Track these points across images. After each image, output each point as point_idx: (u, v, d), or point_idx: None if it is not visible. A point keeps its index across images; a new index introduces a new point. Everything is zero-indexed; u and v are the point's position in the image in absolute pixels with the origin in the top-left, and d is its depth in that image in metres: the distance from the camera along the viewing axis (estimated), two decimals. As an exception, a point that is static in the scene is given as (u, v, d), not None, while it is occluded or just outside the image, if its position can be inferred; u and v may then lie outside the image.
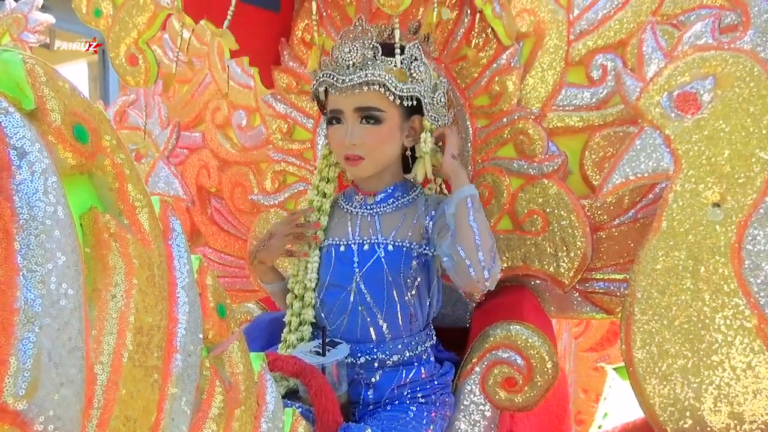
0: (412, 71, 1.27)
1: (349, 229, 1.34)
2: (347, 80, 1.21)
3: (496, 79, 1.53)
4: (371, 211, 1.34)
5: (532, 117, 1.51)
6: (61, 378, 0.55)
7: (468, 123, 1.57)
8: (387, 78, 1.22)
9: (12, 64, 0.57)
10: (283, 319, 1.41)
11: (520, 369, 1.32)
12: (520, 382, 1.32)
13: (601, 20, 1.49)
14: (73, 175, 0.65)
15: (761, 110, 1.05)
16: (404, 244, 1.29)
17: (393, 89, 1.23)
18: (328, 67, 1.26)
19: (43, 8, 2.45)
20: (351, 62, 1.22)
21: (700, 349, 1.07)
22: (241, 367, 0.84)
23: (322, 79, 1.26)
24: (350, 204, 1.37)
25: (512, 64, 1.53)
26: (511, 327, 1.34)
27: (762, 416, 1.03)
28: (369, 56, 1.22)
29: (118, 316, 0.64)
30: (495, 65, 1.53)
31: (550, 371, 1.31)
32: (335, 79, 1.23)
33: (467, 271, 1.13)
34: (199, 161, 2.08)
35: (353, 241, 1.32)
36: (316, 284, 1.34)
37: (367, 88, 1.22)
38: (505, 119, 1.53)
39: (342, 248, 1.33)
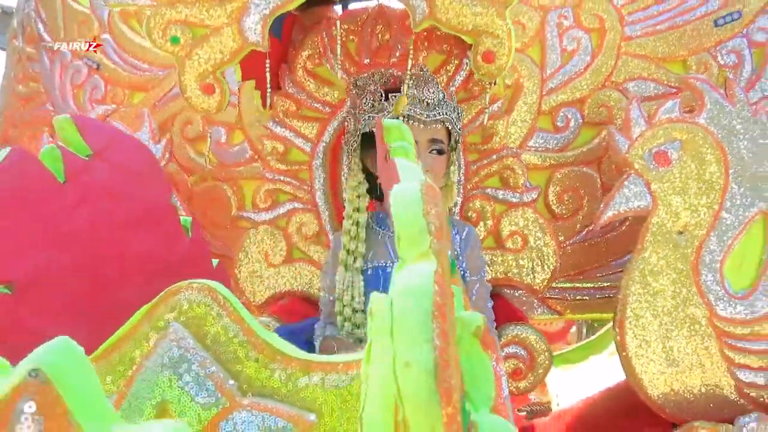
0: (459, 116, 1.55)
1: (391, 251, 1.54)
2: (431, 115, 1.43)
3: (490, 122, 1.84)
4: None
5: (515, 155, 1.86)
6: None
7: (461, 157, 1.86)
8: (452, 118, 1.48)
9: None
10: (318, 335, 1.54)
11: (525, 360, 1.65)
12: (524, 371, 1.65)
13: (566, 81, 1.88)
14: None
15: (710, 165, 1.51)
16: None
17: (454, 128, 1.49)
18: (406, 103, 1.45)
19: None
20: (431, 100, 1.44)
21: (673, 336, 1.50)
22: None
23: (402, 113, 1.44)
24: (386, 228, 1.57)
25: (500, 111, 1.85)
26: (517, 327, 1.66)
27: (708, 380, 1.49)
28: (440, 97, 1.46)
29: None
30: (489, 110, 1.84)
31: (546, 359, 1.66)
32: (419, 113, 1.43)
33: None
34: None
35: None
36: (364, 306, 1.51)
37: (441, 125, 1.45)
38: (494, 156, 1.85)
39: (389, 269, 1.52)
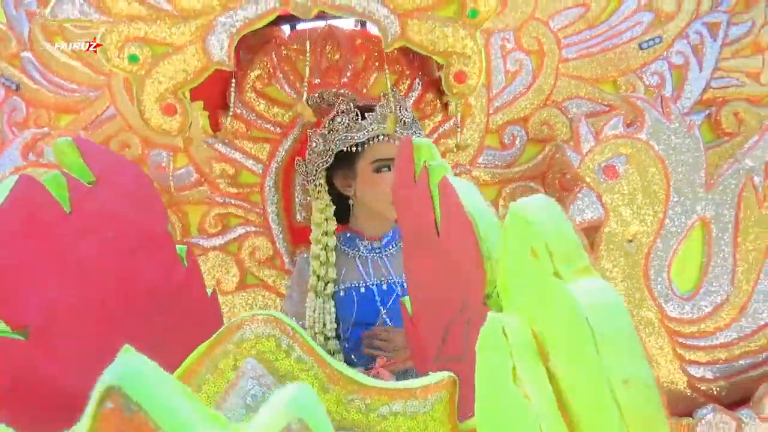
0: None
1: (362, 271, 1.52)
2: (409, 134, 1.43)
3: (442, 141, 1.87)
4: (380, 254, 1.55)
5: (467, 172, 1.90)
6: None
7: (416, 175, 1.88)
8: (423, 136, 1.49)
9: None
10: None
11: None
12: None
13: (511, 100, 1.96)
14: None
15: (653, 177, 1.62)
16: None
17: None
18: (383, 122, 1.44)
19: None
20: (407, 119, 1.44)
21: (631, 339, 1.58)
22: None
23: (382, 132, 1.43)
24: (356, 249, 1.55)
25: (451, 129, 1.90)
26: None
27: (663, 378, 1.59)
28: (413, 117, 1.47)
29: None
30: (441, 129, 1.88)
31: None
32: (399, 132, 1.43)
33: None
34: (101, 201, 1.92)
35: (371, 282, 1.50)
36: (336, 332, 1.48)
37: None
38: (448, 173, 1.89)
39: (362, 290, 1.50)
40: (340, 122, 1.49)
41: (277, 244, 1.87)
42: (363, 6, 1.25)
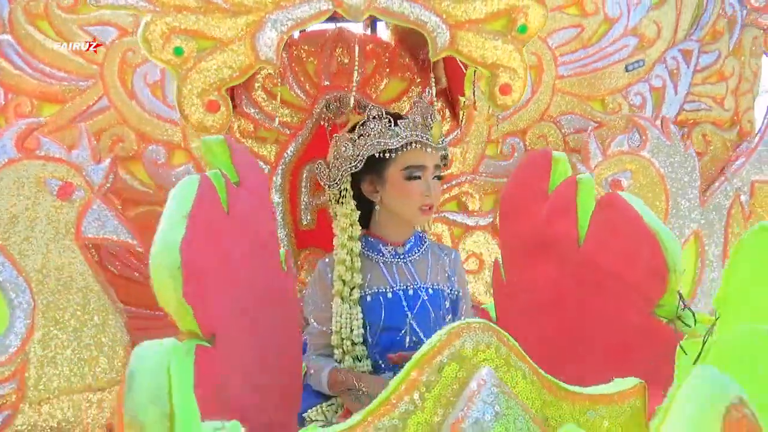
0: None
1: (388, 276, 1.51)
2: (438, 141, 1.44)
3: (450, 149, 1.90)
4: (404, 260, 1.54)
5: (471, 180, 1.95)
6: None
7: (423, 181, 1.90)
8: (445, 144, 1.51)
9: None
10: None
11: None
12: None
13: (511, 112, 2.02)
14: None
15: (655, 191, 1.73)
16: (439, 286, 1.54)
17: (447, 152, 1.53)
18: (416, 129, 1.43)
19: None
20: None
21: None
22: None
23: (415, 139, 1.42)
24: (379, 254, 1.54)
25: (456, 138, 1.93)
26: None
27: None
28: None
29: None
30: (449, 138, 1.91)
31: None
32: (430, 140, 1.43)
33: None
34: (88, 198, 1.80)
35: (397, 287, 1.50)
36: (363, 337, 1.46)
37: (443, 151, 1.48)
38: (454, 181, 1.92)
39: (389, 295, 1.49)
40: (372, 128, 1.47)
41: (281, 245, 1.83)
42: (415, 14, 1.26)
